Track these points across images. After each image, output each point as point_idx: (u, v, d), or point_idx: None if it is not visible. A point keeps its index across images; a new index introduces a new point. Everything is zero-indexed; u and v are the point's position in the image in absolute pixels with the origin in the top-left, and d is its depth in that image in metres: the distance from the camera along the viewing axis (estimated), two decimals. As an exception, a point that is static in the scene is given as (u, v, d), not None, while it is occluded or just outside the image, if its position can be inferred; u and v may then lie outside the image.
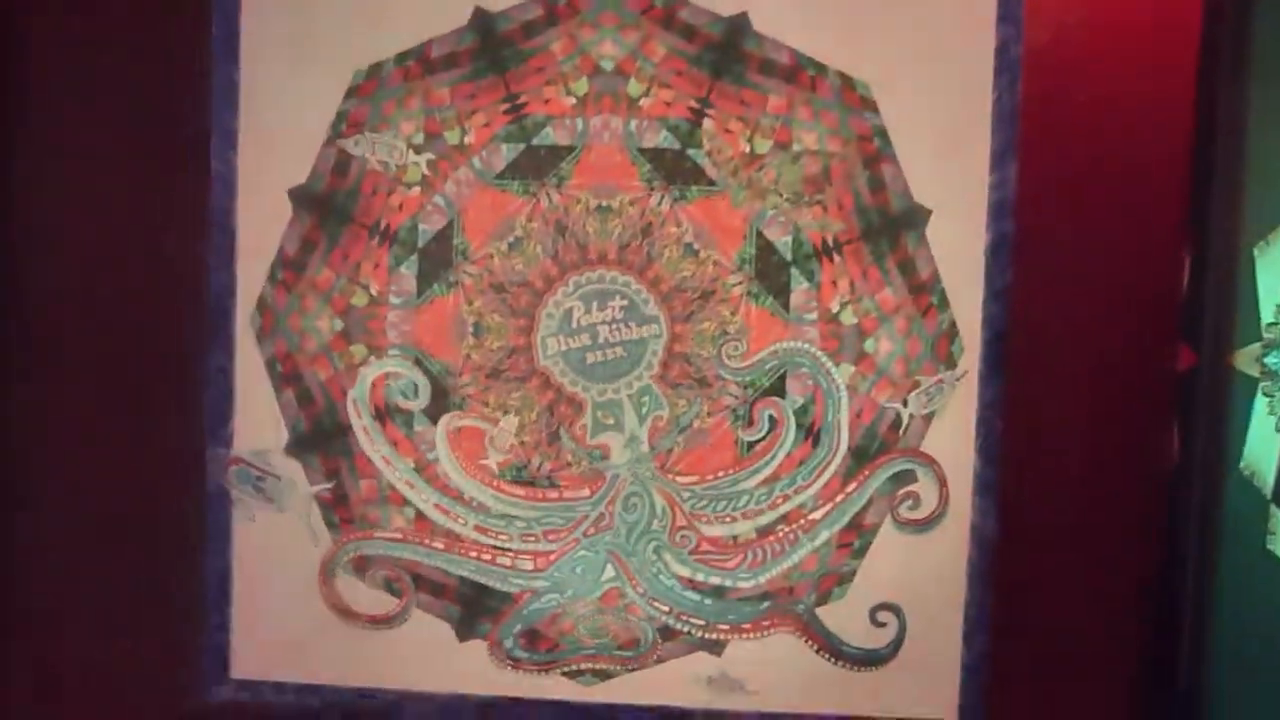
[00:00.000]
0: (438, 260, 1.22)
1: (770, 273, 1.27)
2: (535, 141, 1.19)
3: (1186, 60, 1.19)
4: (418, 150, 1.21)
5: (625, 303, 1.27)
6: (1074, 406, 1.26)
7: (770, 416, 1.27)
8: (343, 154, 1.21)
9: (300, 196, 1.22)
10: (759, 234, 1.27)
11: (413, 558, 1.23)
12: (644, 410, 1.27)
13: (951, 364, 1.26)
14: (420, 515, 1.24)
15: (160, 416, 1.23)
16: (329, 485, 1.23)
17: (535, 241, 1.25)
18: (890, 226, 1.26)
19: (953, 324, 1.26)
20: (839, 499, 1.28)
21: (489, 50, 1.25)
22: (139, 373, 1.24)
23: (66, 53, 1.23)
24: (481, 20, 1.24)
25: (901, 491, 1.27)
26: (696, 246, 1.27)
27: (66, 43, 1.23)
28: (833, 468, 1.28)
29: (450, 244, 1.23)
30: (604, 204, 1.22)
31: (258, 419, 1.23)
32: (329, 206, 1.22)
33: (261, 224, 1.21)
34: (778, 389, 1.28)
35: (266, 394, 1.23)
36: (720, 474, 1.28)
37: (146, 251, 1.22)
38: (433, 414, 1.23)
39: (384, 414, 1.23)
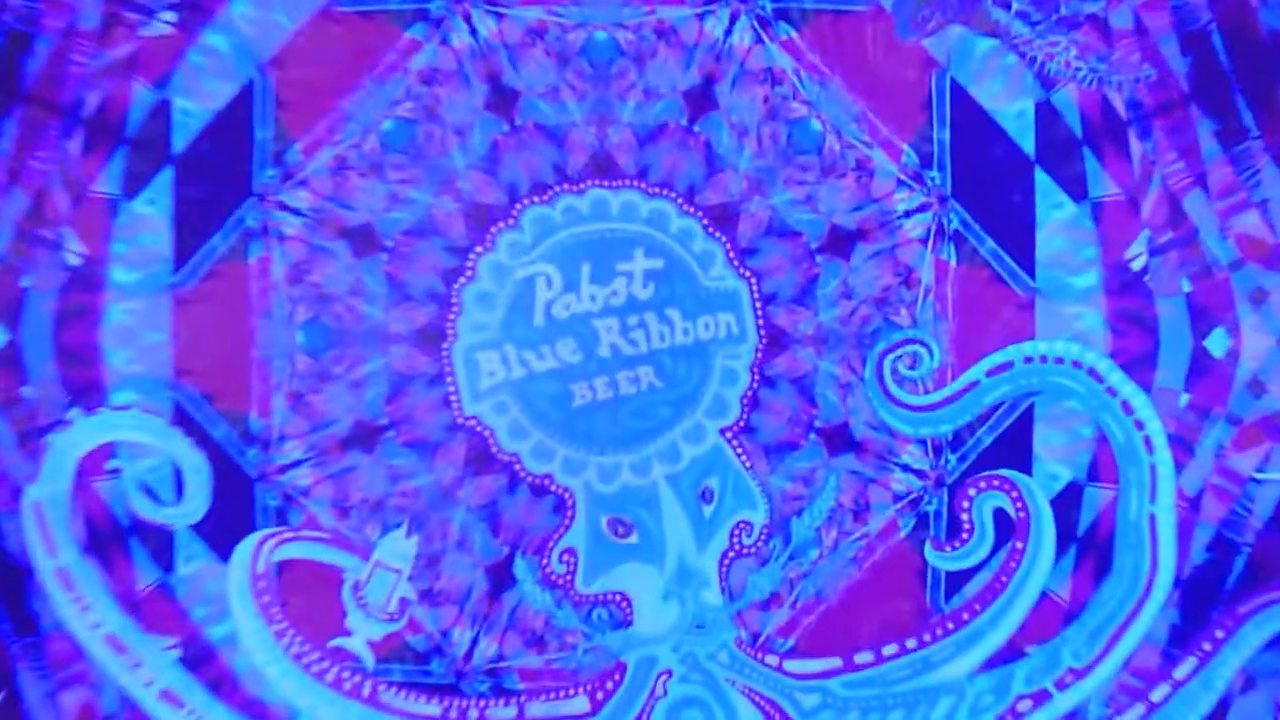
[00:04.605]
0: (219, 177, 0.69)
1: (992, 177, 0.70)
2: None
3: None
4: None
5: (658, 262, 0.69)
6: None
7: (998, 513, 0.68)
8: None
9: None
10: (959, 91, 0.70)
11: None
12: (713, 509, 0.71)
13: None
14: (198, 776, 0.72)
15: None
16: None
17: (448, 131, 0.69)
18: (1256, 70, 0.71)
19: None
20: (1162, 694, 0.69)
21: None
22: None
23: None
24: None
25: (1301, 673, 0.75)
26: (817, 125, 0.70)
27: None
28: (1143, 624, 0.68)
29: (245, 140, 0.69)
30: (604, 35, 0.67)
31: None
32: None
33: None
34: (1009, 450, 0.70)
35: None
36: (887, 652, 0.70)
37: None
38: (217, 531, 0.69)
39: (108, 537, 0.68)
